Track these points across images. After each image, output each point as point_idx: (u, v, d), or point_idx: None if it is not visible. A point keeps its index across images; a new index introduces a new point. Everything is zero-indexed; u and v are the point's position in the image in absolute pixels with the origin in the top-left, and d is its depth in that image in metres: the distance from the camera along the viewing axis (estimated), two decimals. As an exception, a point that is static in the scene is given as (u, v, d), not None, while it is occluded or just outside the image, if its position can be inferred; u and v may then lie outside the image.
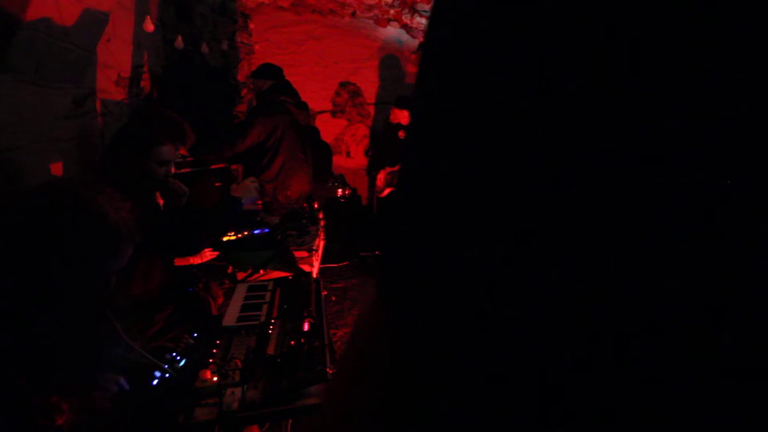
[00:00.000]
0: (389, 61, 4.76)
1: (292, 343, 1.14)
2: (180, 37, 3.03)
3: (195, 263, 1.94)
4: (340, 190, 4.28)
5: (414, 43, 4.67)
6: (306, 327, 1.23)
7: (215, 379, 1.01)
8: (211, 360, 1.09)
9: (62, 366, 0.82)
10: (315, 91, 4.45)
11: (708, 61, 0.19)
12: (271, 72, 2.87)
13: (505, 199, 0.24)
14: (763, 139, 0.18)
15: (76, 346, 0.84)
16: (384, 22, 4.15)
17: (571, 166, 0.22)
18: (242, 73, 4.12)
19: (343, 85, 4.73)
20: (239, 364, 1.06)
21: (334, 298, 3.28)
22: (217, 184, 2.99)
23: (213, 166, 2.95)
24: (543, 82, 0.24)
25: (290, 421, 1.49)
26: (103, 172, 1.58)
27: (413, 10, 3.77)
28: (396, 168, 3.95)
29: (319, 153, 4.14)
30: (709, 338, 0.19)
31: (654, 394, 0.19)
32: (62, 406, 0.75)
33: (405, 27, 4.28)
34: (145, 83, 3.00)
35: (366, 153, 4.62)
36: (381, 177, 4.02)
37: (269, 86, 2.83)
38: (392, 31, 4.52)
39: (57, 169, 1.85)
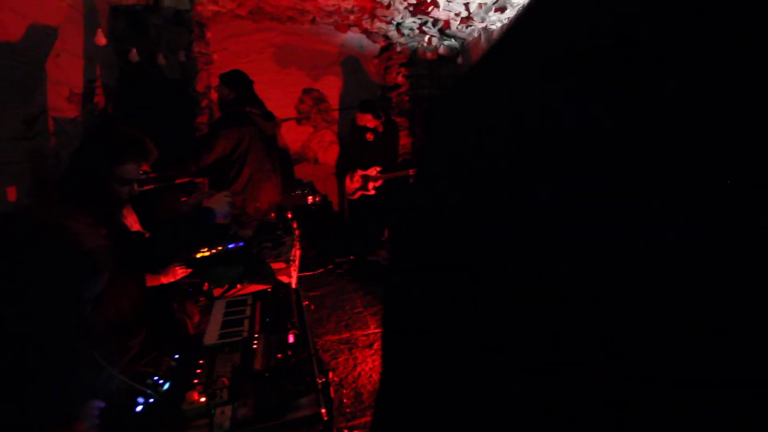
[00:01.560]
0: (351, 65, 4.78)
1: (279, 356, 1.13)
2: (134, 50, 2.92)
3: (166, 282, 1.87)
4: (310, 198, 4.24)
5: (375, 47, 4.71)
6: (291, 339, 1.22)
7: (203, 399, 0.99)
8: (196, 381, 1.06)
9: (44, 397, 0.78)
10: (278, 99, 4.39)
11: (704, 61, 0.20)
12: (237, 83, 2.81)
13: (503, 200, 0.24)
14: (763, 139, 0.18)
15: (57, 376, 0.81)
16: (344, 27, 4.16)
17: (568, 167, 0.22)
18: (201, 84, 4.02)
19: (306, 91, 4.70)
20: (226, 382, 1.05)
21: (312, 307, 3.25)
22: (183, 199, 2.90)
23: (178, 181, 2.87)
24: (541, 84, 0.24)
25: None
26: (63, 196, 1.51)
27: (373, 16, 3.81)
28: (368, 171, 3.96)
29: (285, 162, 4.10)
30: (708, 338, 0.19)
31: (654, 393, 0.20)
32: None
33: (365, 32, 4.31)
34: (99, 98, 2.87)
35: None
36: (355, 179, 4.01)
37: (233, 97, 2.78)
38: (353, 36, 4.55)
39: (11, 193, 1.75)
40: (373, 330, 3.04)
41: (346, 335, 2.98)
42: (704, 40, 0.20)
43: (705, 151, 0.19)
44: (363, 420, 2.10)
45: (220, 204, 1.61)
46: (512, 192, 0.24)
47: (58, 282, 0.77)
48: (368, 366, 2.60)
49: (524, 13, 0.28)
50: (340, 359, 2.67)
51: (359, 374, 2.52)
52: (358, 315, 3.27)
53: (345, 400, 2.24)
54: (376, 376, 2.49)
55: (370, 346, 2.83)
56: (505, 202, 0.24)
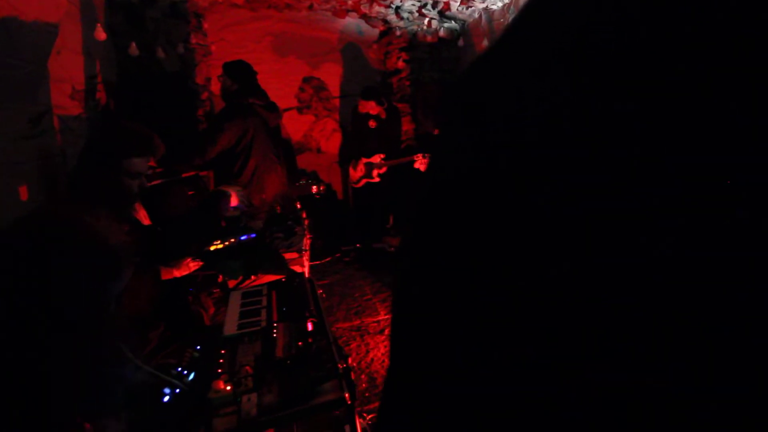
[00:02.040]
0: (351, 52, 4.73)
1: (300, 344, 1.15)
2: (134, 44, 2.90)
3: (179, 275, 1.89)
4: (314, 187, 4.25)
5: (374, 32, 4.65)
6: (310, 327, 1.24)
7: (228, 388, 1.01)
8: (220, 370, 1.09)
9: (75, 392, 0.80)
10: (278, 89, 4.36)
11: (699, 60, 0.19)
12: (241, 73, 2.79)
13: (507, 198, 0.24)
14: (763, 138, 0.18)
15: (87, 372, 0.83)
16: (342, 13, 4.10)
17: (570, 163, 0.22)
18: (201, 76, 3.99)
19: (306, 80, 4.66)
20: (250, 370, 1.07)
21: (324, 295, 3.28)
22: (189, 193, 2.92)
23: (184, 175, 2.87)
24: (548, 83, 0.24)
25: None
26: (76, 194, 1.52)
27: (371, 0, 3.75)
28: (372, 159, 3.95)
29: (289, 152, 4.08)
30: (709, 338, 0.19)
31: (654, 392, 0.19)
32: (85, 426, 0.75)
33: (364, 17, 4.25)
34: (101, 94, 2.86)
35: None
36: (359, 167, 4.00)
37: (236, 89, 2.76)
38: (351, 22, 4.49)
39: (23, 193, 1.76)
40: (383, 316, 3.07)
41: (356, 322, 3.02)
42: (706, 37, 0.20)
43: (705, 150, 0.19)
44: (378, 404, 2.14)
45: (235, 189, 1.62)
46: (513, 187, 0.24)
47: (86, 281, 0.78)
48: (380, 352, 2.64)
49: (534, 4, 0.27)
50: (352, 346, 2.71)
51: (372, 360, 2.56)
52: (367, 302, 3.31)
53: (363, 385, 2.28)
54: (388, 362, 2.53)
55: (381, 332, 2.86)
56: (505, 197, 0.24)
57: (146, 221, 1.87)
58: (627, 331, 0.20)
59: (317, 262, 4.05)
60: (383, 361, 2.55)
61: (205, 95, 4.02)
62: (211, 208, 1.56)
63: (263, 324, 1.32)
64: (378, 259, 4.06)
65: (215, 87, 3.95)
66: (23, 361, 0.76)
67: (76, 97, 2.45)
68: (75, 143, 2.31)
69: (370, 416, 1.94)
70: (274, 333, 1.24)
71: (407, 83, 4.59)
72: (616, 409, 0.20)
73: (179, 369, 1.14)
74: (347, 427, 1.12)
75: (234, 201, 1.60)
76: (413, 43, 4.49)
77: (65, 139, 2.26)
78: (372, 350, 2.66)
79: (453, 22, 4.32)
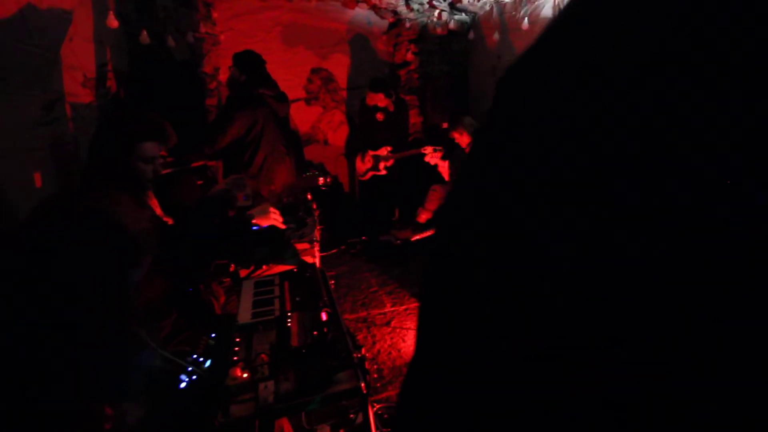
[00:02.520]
0: (360, 43, 4.70)
1: (315, 333, 1.16)
2: (145, 32, 2.89)
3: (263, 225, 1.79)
4: (321, 179, 4.24)
5: (384, 23, 4.62)
6: (324, 317, 1.25)
7: (245, 375, 1.02)
8: (236, 358, 1.10)
9: (99, 377, 0.82)
10: (287, 79, 4.34)
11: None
12: (249, 64, 2.78)
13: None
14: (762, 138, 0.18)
15: (109, 357, 0.85)
16: (352, 3, 4.07)
17: (575, 160, 0.22)
18: (209, 65, 3.99)
19: (315, 71, 4.64)
20: (266, 358, 1.08)
21: (333, 286, 3.30)
22: (198, 183, 2.92)
23: (193, 165, 2.88)
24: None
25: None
26: (91, 180, 1.53)
27: (382, -9, 3.72)
28: (379, 152, 3.95)
29: (296, 144, 4.09)
30: (709, 337, 0.19)
31: (654, 392, 0.19)
32: (106, 411, 0.76)
33: (374, 8, 4.22)
34: (111, 82, 2.86)
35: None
36: (366, 159, 3.99)
37: (245, 79, 2.75)
38: (361, 13, 4.45)
39: (38, 179, 1.77)
40: (389, 308, 3.09)
41: (363, 314, 3.03)
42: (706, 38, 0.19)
43: (705, 150, 0.19)
44: (385, 394, 2.16)
45: (264, 214, 1.62)
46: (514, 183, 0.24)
47: (108, 269, 0.79)
48: (386, 343, 2.66)
49: None
50: (359, 337, 2.73)
51: (378, 351, 2.58)
52: (373, 294, 3.32)
53: (374, 375, 2.30)
54: (394, 353, 2.55)
55: (388, 324, 2.88)
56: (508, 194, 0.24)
57: (158, 211, 1.88)
58: (627, 331, 0.20)
59: (323, 254, 4.06)
60: (390, 352, 2.57)
61: (213, 85, 4.02)
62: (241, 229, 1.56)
63: (277, 313, 1.33)
64: (384, 251, 4.07)
65: (224, 77, 3.95)
66: (47, 348, 0.77)
67: (87, 85, 2.45)
68: (86, 131, 2.32)
69: (378, 406, 1.97)
70: (289, 322, 1.25)
71: (416, 75, 4.56)
72: (616, 409, 0.20)
73: (195, 356, 1.16)
74: (360, 415, 1.14)
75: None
76: (423, 35, 4.45)
77: (77, 126, 2.27)
78: (378, 341, 2.68)
79: (463, 14, 4.28)
